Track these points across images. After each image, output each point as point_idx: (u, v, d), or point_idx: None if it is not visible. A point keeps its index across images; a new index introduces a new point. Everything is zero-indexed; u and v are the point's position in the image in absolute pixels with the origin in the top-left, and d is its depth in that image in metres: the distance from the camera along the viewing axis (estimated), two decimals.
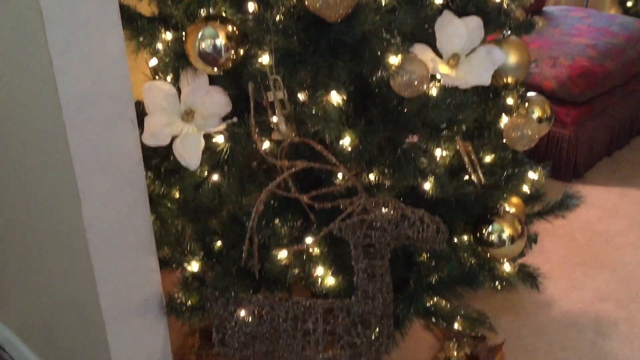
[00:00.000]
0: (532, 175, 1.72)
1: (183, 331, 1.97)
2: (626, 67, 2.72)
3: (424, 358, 1.87)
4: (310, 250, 1.55)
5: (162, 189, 1.62)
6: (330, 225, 1.26)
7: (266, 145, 1.47)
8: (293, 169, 1.21)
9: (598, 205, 2.56)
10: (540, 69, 2.61)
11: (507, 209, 1.55)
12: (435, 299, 1.58)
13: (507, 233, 1.52)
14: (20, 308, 1.86)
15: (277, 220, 1.49)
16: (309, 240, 1.55)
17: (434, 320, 1.59)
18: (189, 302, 1.54)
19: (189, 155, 1.38)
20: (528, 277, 1.79)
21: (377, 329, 1.33)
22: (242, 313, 1.35)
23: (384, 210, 1.26)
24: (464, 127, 1.51)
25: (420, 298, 1.48)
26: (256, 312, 1.35)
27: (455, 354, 1.81)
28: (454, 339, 1.88)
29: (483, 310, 1.90)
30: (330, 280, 1.56)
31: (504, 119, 1.62)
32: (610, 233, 2.39)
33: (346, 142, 1.37)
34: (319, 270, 1.56)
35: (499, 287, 1.71)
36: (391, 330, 1.37)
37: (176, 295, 1.54)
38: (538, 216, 1.79)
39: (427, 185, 1.45)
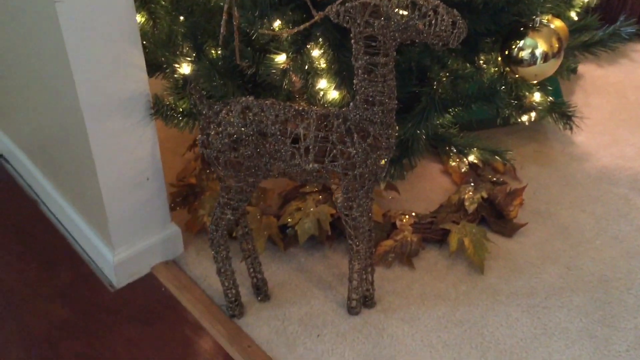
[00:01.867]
0: None
1: (187, 157, 1.89)
2: None
3: (438, 200, 1.74)
4: (315, 61, 1.39)
5: None
6: (326, 8, 1.08)
7: None
8: None
9: None
10: None
11: (545, 22, 1.32)
12: (448, 122, 1.39)
13: (540, 49, 1.30)
14: (17, 118, 1.79)
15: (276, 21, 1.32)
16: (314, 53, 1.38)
17: (447, 150, 1.42)
18: (180, 108, 1.42)
19: None
20: (561, 116, 1.59)
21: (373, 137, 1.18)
22: (227, 113, 1.21)
23: None
24: None
25: (430, 116, 1.30)
26: (243, 113, 1.21)
27: (470, 196, 1.66)
28: (472, 183, 1.73)
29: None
30: (334, 94, 1.40)
31: None
32: None
33: None
34: (322, 83, 1.40)
35: (527, 121, 1.51)
36: (392, 143, 1.21)
37: (165, 99, 1.41)
38: (583, 48, 1.55)
39: None
